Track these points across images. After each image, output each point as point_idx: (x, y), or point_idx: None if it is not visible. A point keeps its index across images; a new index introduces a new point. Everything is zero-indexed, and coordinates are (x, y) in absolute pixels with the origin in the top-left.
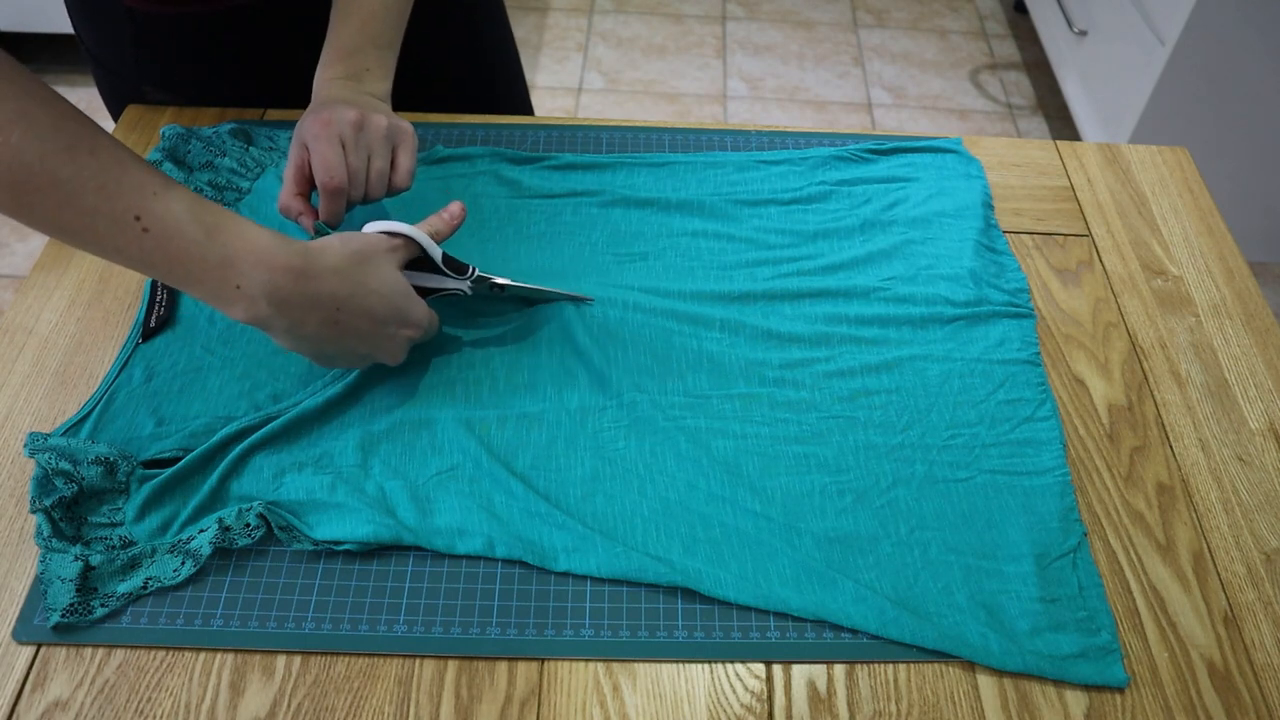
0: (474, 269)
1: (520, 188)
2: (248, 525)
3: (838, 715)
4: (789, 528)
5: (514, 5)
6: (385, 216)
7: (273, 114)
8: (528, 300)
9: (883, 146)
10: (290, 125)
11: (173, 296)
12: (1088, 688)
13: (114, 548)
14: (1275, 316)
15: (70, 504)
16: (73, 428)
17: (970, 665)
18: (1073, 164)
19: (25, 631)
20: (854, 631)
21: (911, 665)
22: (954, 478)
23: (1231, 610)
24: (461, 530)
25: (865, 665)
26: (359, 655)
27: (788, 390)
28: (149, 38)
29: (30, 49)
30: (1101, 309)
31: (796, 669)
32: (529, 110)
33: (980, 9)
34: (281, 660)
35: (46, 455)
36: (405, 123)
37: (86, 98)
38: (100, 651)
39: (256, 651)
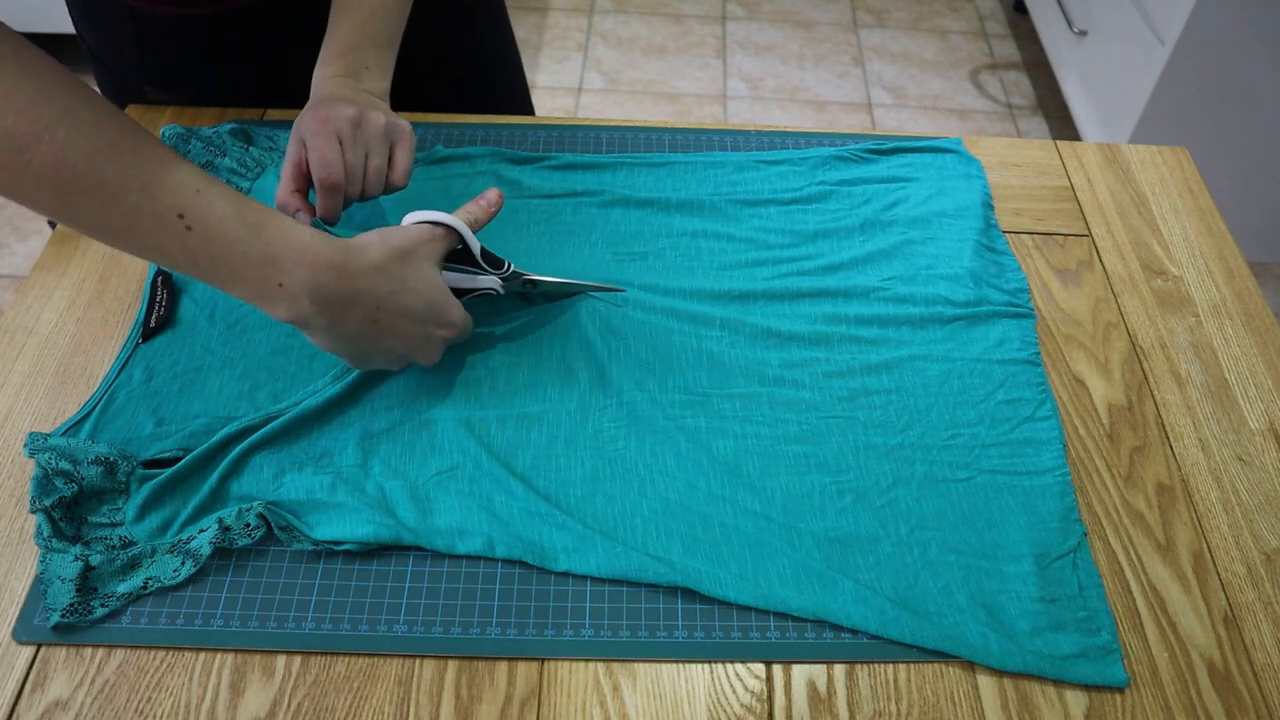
0: (509, 264)
1: (520, 187)
2: (248, 525)
3: (838, 715)
4: (789, 528)
5: (514, 5)
6: (382, 215)
7: (273, 114)
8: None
9: (883, 146)
10: (290, 125)
11: (173, 296)
12: (1088, 688)
13: (114, 548)
14: (1275, 316)
15: (70, 504)
16: (73, 428)
17: (970, 665)
18: (1073, 164)
19: (25, 631)
20: (854, 631)
21: (911, 665)
22: (954, 478)
23: (1231, 610)
24: (461, 530)
25: (865, 665)
26: (359, 655)
27: (787, 390)
28: (150, 37)
29: None
30: (1101, 309)
31: (796, 669)
32: (529, 110)
33: (980, 9)
34: (281, 660)
35: (46, 455)
36: (403, 121)
37: None
38: (100, 651)
39: (256, 651)
